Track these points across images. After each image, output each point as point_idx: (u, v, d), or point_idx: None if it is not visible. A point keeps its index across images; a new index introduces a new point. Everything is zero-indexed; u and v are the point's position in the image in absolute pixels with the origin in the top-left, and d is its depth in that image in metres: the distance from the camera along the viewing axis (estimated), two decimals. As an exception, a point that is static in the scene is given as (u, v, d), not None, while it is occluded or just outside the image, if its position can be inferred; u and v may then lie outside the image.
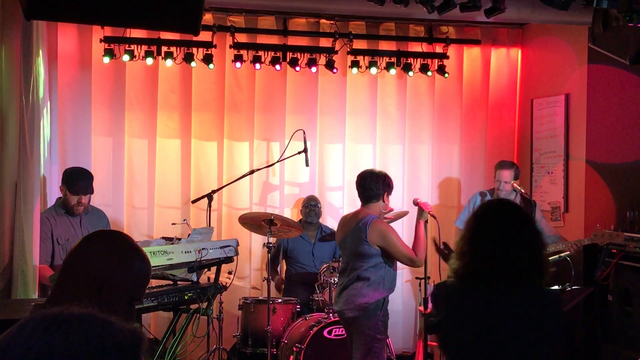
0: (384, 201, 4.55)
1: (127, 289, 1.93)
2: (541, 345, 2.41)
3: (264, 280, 5.46)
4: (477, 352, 2.44)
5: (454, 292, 2.52)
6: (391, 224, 4.84)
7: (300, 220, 6.23)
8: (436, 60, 6.56)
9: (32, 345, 1.12)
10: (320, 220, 6.37)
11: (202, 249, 4.78)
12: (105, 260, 1.90)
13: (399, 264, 4.61)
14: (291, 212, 6.51)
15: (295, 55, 6.29)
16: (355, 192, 4.54)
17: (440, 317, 2.51)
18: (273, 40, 6.41)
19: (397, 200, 6.55)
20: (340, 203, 6.62)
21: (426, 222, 4.57)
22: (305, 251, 6.16)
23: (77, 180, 5.09)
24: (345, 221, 4.66)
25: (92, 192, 5.18)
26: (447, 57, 6.60)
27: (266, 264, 5.76)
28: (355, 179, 4.64)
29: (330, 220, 6.55)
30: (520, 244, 2.42)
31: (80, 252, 1.94)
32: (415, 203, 4.65)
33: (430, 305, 2.61)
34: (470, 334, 2.44)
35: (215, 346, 5.37)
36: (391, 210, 4.74)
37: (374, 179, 4.53)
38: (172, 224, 5.92)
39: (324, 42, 6.47)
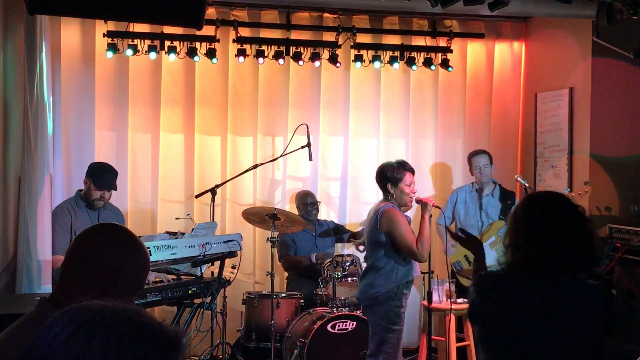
0: (389, 191, 4.56)
1: (137, 278, 1.97)
2: (587, 336, 2.38)
3: (267, 275, 5.45)
4: (526, 343, 2.35)
5: (504, 282, 2.43)
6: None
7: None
8: (440, 54, 6.54)
9: (73, 343, 1.05)
10: (323, 216, 6.37)
11: (206, 243, 4.78)
12: (117, 253, 1.94)
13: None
14: (290, 207, 6.50)
15: (299, 50, 6.28)
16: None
17: (487, 308, 2.41)
18: (276, 34, 6.40)
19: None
20: (342, 198, 6.61)
21: (430, 216, 4.59)
22: (310, 244, 6.15)
23: (104, 175, 5.15)
24: (369, 213, 4.74)
25: (115, 188, 5.23)
26: (451, 51, 6.59)
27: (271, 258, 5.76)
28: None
29: (333, 215, 6.54)
30: (580, 232, 2.40)
31: (90, 246, 1.95)
32: (418, 201, 4.66)
33: (473, 295, 2.47)
34: (522, 323, 2.35)
35: (219, 340, 5.37)
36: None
37: (376, 175, 4.68)
38: (176, 218, 5.94)
39: (327, 36, 6.46)
